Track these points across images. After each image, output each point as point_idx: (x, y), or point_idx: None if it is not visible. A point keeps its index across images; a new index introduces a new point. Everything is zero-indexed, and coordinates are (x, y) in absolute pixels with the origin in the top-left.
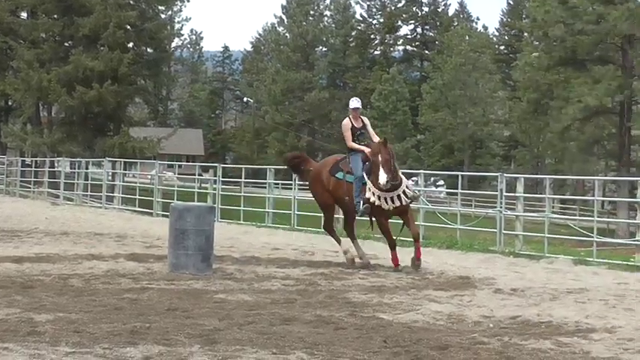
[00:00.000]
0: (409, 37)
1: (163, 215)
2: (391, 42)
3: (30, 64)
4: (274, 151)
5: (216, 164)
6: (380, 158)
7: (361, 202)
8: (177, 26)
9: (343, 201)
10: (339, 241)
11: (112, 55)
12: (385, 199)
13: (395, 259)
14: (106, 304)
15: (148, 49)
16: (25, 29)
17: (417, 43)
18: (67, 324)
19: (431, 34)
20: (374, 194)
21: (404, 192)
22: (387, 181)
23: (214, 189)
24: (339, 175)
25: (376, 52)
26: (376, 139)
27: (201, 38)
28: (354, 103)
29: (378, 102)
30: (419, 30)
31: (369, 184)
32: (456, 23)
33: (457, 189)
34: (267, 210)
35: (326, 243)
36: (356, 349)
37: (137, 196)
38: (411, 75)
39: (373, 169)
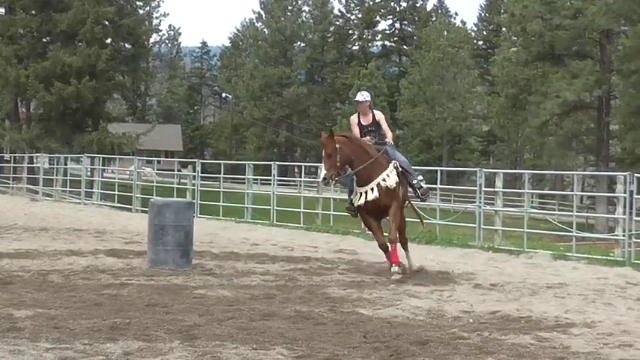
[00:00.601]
0: (387, 32)
1: (142, 211)
2: (369, 37)
3: (8, 59)
4: (253, 146)
5: (195, 160)
6: (323, 153)
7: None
8: (155, 22)
9: None
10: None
11: (90, 51)
12: (358, 194)
13: (390, 257)
14: (86, 299)
15: (126, 45)
16: (2, 25)
17: (395, 39)
18: (47, 320)
19: (409, 29)
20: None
21: (378, 185)
22: (324, 178)
23: (193, 185)
24: None
25: (354, 48)
26: (389, 135)
27: (180, 34)
28: (358, 96)
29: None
30: (397, 25)
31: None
32: (434, 18)
33: (436, 184)
34: (246, 205)
35: (305, 239)
36: (336, 344)
37: (116, 192)
38: (390, 70)
39: None
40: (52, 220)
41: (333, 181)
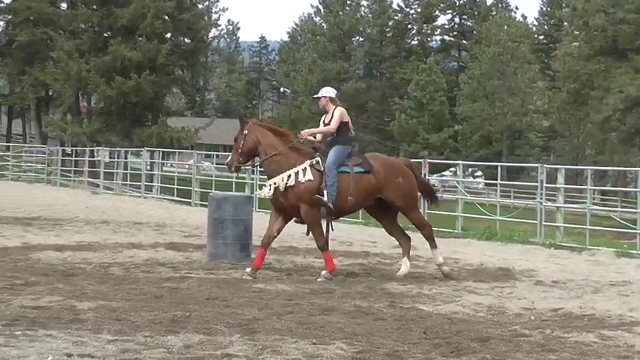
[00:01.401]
0: (447, 26)
1: (202, 205)
2: (428, 32)
3: (69, 54)
4: None
5: None
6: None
7: None
8: (214, 16)
9: None
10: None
11: (150, 46)
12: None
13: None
14: (147, 292)
15: (186, 40)
16: (64, 20)
17: (454, 33)
18: (109, 312)
19: (469, 23)
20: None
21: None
22: (227, 164)
23: (252, 179)
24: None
25: (413, 42)
26: (324, 128)
27: (238, 28)
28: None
29: (415, 92)
30: (456, 20)
31: None
32: (494, 13)
33: (495, 180)
34: None
35: (363, 234)
36: (395, 340)
37: (175, 186)
38: (449, 65)
39: None
40: (113, 213)
41: (234, 169)
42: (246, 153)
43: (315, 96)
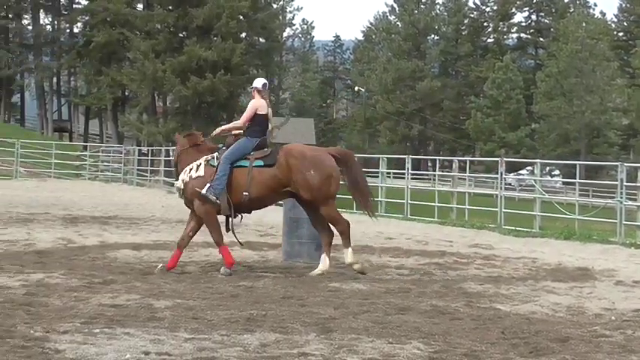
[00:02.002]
0: (523, 24)
1: (277, 204)
2: (505, 29)
3: (145, 54)
4: (385, 140)
5: None
6: None
7: None
8: (288, 16)
9: None
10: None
11: (225, 45)
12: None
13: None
14: (223, 291)
15: (260, 39)
16: (140, 21)
17: (531, 31)
18: (186, 310)
19: (546, 20)
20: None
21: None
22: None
23: None
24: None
25: (489, 40)
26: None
27: (313, 28)
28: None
29: (491, 90)
30: (533, 17)
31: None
32: (572, 10)
33: (574, 178)
34: (379, 199)
35: (439, 233)
36: (473, 339)
37: None
38: (525, 63)
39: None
40: (188, 212)
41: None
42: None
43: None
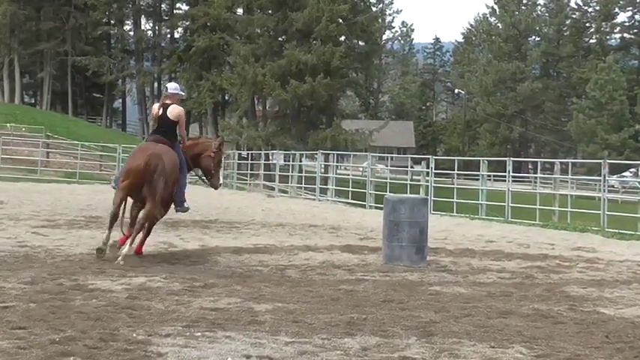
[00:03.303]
0: (627, 24)
1: (376, 207)
2: (607, 30)
3: (245, 59)
4: (486, 142)
5: (428, 156)
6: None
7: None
8: (388, 19)
9: None
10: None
11: (325, 49)
12: None
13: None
14: (323, 294)
15: (360, 42)
16: (240, 25)
17: (635, 30)
18: (286, 314)
19: None
20: None
21: None
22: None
23: (427, 181)
24: None
25: (591, 41)
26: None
27: (412, 30)
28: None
29: (594, 92)
30: (637, 17)
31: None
32: None
33: None
34: (480, 202)
35: (541, 236)
36: (577, 344)
37: (350, 189)
38: (629, 63)
39: (217, 168)
40: (288, 215)
41: None
42: None
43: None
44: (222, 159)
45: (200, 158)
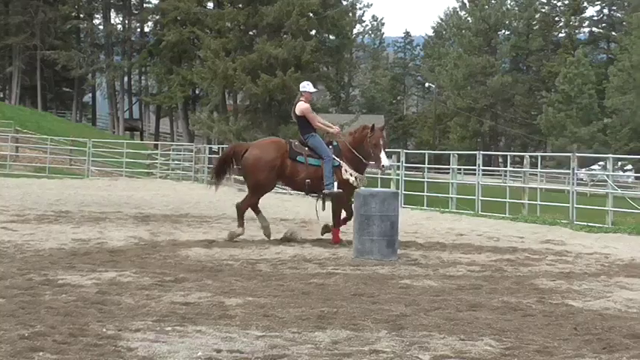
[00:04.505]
0: (595, 18)
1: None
2: (576, 24)
3: (216, 53)
4: (456, 136)
5: (398, 150)
6: (381, 142)
7: (335, 184)
8: (358, 13)
9: (303, 183)
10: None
11: (296, 43)
12: (357, 179)
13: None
14: (294, 288)
15: (330, 36)
16: (211, 19)
17: (603, 25)
18: (257, 308)
19: (618, 14)
20: (351, 175)
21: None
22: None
23: (397, 175)
24: (301, 158)
25: (561, 35)
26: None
27: (383, 24)
28: (310, 87)
29: (563, 85)
30: (605, 11)
31: (344, 165)
32: None
33: None
34: (450, 195)
35: (510, 229)
36: (545, 336)
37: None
38: (597, 57)
39: (375, 150)
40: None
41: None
42: None
43: (311, 90)
44: (381, 140)
45: (360, 147)
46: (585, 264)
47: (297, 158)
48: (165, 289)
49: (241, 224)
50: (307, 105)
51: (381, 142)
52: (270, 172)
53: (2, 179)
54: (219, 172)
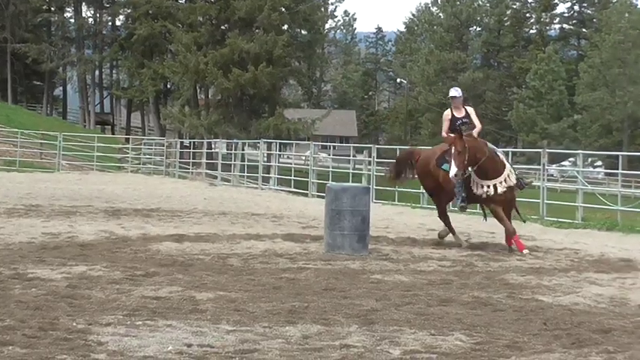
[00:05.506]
0: (566, 15)
1: (319, 196)
2: (547, 20)
3: (188, 47)
4: (427, 132)
5: (370, 145)
6: (452, 151)
7: (461, 199)
8: (330, 8)
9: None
10: (453, 231)
11: (267, 38)
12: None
13: (519, 243)
14: (265, 283)
15: (302, 31)
16: (182, 13)
17: (574, 21)
18: (228, 302)
19: (588, 11)
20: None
21: (504, 181)
22: (456, 174)
23: (369, 170)
24: (445, 166)
25: (532, 31)
26: (478, 126)
27: (355, 19)
28: (453, 92)
29: (534, 81)
30: (576, 8)
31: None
32: (614, 0)
33: (616, 169)
34: (421, 191)
35: (481, 224)
36: (515, 331)
37: (292, 177)
38: (568, 54)
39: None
40: (231, 204)
41: (460, 177)
42: (469, 163)
43: (456, 95)
44: (457, 148)
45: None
46: (555, 259)
47: (443, 166)
48: (136, 284)
49: (451, 231)
50: (446, 112)
51: (452, 151)
52: (425, 175)
53: None
54: (398, 173)
